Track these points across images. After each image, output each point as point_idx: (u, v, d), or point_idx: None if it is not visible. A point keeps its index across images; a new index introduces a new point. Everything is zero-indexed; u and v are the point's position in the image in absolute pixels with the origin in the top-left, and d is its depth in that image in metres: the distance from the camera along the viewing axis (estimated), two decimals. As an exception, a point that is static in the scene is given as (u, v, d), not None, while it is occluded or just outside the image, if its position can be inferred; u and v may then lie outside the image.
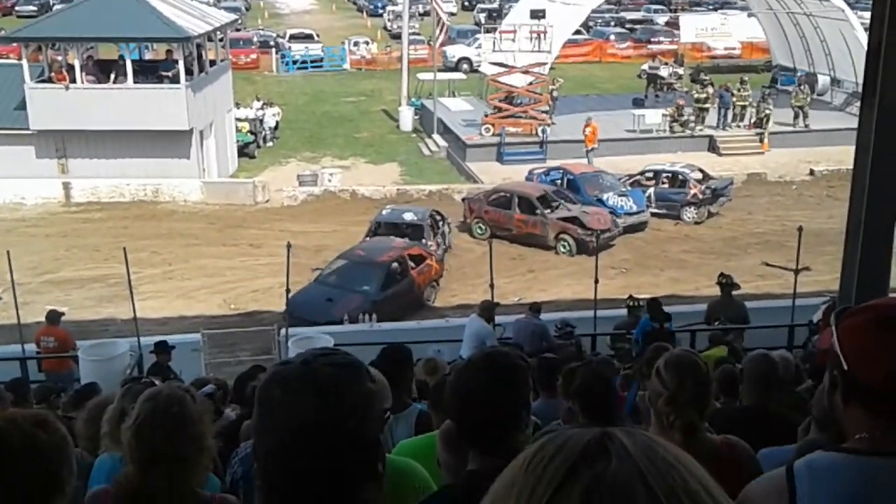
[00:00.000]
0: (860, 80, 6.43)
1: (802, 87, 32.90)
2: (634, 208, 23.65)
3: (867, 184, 6.02)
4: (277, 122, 33.93)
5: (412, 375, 5.34)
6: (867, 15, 6.01)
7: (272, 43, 49.76)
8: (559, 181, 25.00)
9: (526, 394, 2.55)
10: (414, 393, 5.60)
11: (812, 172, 29.01)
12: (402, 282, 18.87)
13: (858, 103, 6.57)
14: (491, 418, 2.41)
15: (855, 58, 31.93)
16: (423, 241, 20.84)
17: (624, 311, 13.61)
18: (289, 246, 14.06)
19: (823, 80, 35.86)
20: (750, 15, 42.17)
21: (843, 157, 25.47)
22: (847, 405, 1.70)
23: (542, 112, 31.42)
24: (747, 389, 5.14)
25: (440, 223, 22.22)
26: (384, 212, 22.47)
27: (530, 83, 31.76)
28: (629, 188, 24.77)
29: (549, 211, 22.63)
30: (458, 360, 8.85)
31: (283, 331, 14.33)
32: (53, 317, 13.68)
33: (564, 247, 22.15)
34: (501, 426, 2.42)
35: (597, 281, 14.26)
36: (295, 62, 47.41)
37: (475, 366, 2.55)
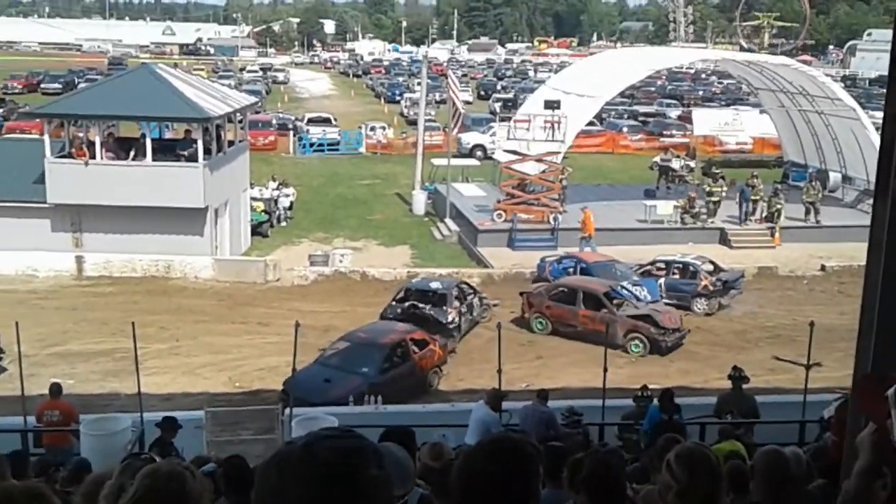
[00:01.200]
0: (871, 178, 6.46)
1: (814, 184, 33.09)
2: (649, 298, 23.46)
3: (880, 281, 5.99)
4: (292, 203, 34.29)
5: (415, 459, 5.25)
6: (879, 115, 6.07)
7: (290, 126, 50.69)
8: (572, 269, 24.98)
9: (535, 482, 2.45)
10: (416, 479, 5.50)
11: (823, 268, 28.95)
12: (403, 365, 18.69)
13: (869, 200, 6.58)
14: (498, 504, 2.34)
15: (866, 156, 32.21)
16: (444, 308, 21.32)
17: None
18: (297, 325, 14.02)
19: (835, 177, 36.07)
20: (762, 111, 42.74)
21: (854, 253, 25.45)
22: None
23: (554, 200, 31.65)
24: (758, 486, 5.01)
25: (468, 295, 22.65)
26: (414, 280, 23.76)
27: (543, 171, 32.09)
28: (641, 278, 24.71)
29: (616, 308, 21.94)
30: (462, 446, 8.70)
31: (287, 410, 14.19)
32: (56, 390, 13.56)
33: (636, 347, 21.19)
34: (508, 514, 2.34)
35: (606, 370, 14.13)
36: (312, 145, 48.15)
37: (484, 449, 2.49)
